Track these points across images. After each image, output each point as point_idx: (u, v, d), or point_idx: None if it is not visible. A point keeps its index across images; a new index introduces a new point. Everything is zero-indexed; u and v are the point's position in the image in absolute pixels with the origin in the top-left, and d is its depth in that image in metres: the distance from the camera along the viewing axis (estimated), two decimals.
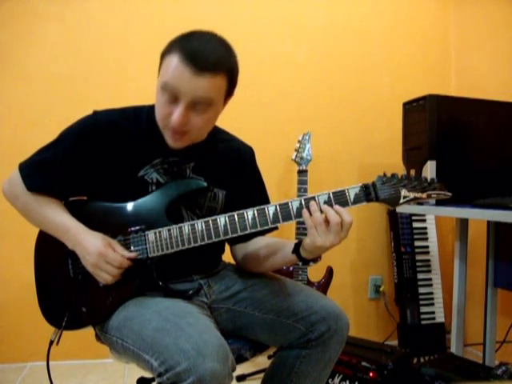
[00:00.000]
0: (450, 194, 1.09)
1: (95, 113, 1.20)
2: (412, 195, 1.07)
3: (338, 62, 2.55)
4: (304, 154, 2.19)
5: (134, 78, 2.30)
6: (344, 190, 1.06)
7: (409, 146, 2.01)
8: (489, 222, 2.02)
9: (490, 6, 2.43)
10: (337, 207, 1.04)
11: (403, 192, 1.06)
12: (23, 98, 2.24)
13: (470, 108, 1.94)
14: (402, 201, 1.06)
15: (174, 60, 1.04)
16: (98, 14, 2.29)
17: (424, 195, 1.07)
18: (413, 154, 1.98)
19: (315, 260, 1.13)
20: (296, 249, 1.12)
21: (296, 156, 2.20)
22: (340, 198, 1.06)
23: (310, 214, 1.04)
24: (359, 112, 2.58)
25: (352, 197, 1.06)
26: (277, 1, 2.48)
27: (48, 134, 1.20)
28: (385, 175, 1.08)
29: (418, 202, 1.09)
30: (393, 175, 1.08)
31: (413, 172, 1.95)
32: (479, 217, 1.73)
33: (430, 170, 1.84)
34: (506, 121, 1.97)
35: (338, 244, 1.04)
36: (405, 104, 2.04)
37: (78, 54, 2.28)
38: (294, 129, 2.35)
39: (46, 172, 1.16)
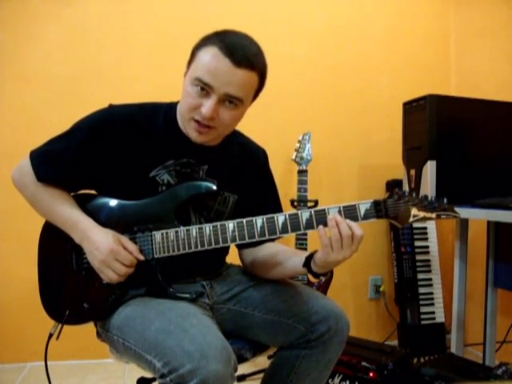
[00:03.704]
0: (459, 214, 1.08)
1: (111, 106, 1.18)
2: (422, 214, 1.06)
3: (338, 62, 2.55)
4: (304, 154, 2.19)
5: (134, 78, 2.30)
6: (355, 205, 1.06)
7: (409, 145, 2.01)
8: (489, 222, 2.02)
9: (489, 6, 2.43)
10: (348, 221, 1.04)
11: (413, 211, 1.06)
12: (23, 98, 2.24)
13: (469, 108, 1.93)
14: (411, 219, 1.07)
15: (211, 51, 1.04)
16: (97, 14, 2.29)
17: (433, 215, 1.06)
18: (413, 154, 1.98)
19: (326, 274, 1.12)
20: (307, 262, 1.11)
21: (296, 156, 2.20)
22: (350, 213, 1.06)
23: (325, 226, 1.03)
24: (359, 112, 2.57)
25: (362, 212, 1.06)
26: (277, 1, 2.48)
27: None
28: (396, 193, 1.08)
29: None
30: (403, 193, 1.07)
31: (413, 172, 1.95)
32: (479, 217, 1.73)
33: (430, 169, 1.84)
34: (506, 121, 1.97)
35: (349, 257, 1.04)
36: (405, 104, 2.04)
37: (77, 53, 2.27)
38: (294, 129, 2.34)
39: (57, 163, 1.14)
